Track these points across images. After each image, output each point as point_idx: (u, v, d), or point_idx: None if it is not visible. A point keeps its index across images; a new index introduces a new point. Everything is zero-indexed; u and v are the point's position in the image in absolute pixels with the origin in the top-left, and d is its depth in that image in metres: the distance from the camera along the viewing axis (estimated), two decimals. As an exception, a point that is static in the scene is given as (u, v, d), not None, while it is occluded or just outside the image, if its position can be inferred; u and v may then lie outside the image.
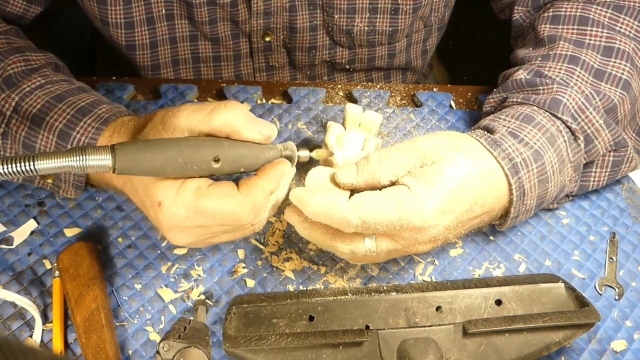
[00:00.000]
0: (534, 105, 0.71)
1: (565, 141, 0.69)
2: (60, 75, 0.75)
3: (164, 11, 0.89)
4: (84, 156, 0.54)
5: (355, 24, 0.92)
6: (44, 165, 0.53)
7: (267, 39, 0.94)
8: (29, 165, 0.52)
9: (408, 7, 0.91)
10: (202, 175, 0.60)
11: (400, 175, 0.63)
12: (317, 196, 0.61)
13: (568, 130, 0.70)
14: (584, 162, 0.73)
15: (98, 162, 0.55)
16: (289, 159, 0.64)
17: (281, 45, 0.96)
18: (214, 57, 0.97)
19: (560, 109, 0.70)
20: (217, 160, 0.59)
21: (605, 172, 0.76)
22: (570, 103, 0.70)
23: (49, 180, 0.72)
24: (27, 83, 0.71)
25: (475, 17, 1.23)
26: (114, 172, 0.56)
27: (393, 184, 0.64)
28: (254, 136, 0.61)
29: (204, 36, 0.94)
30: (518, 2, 0.87)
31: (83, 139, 0.68)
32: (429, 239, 0.62)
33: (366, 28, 0.93)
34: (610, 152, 0.74)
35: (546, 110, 0.70)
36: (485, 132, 0.69)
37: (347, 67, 1.01)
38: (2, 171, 0.52)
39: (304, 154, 0.66)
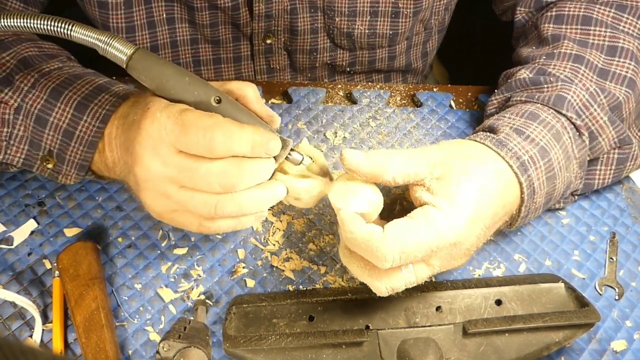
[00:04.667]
0: (538, 103, 0.72)
1: (570, 137, 0.69)
2: (74, 63, 0.76)
3: (164, 15, 0.89)
4: (111, 41, 0.58)
5: (356, 26, 0.92)
6: (78, 33, 0.57)
7: (268, 41, 0.94)
8: (66, 29, 0.56)
9: (408, 10, 0.91)
10: (198, 108, 0.60)
11: (406, 174, 0.61)
12: (361, 224, 0.58)
13: (573, 126, 0.70)
14: (589, 158, 0.73)
15: (118, 52, 0.59)
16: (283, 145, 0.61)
17: (282, 48, 0.96)
18: (215, 59, 0.97)
19: (565, 105, 0.70)
20: (218, 101, 0.60)
21: (610, 169, 0.76)
22: (575, 100, 0.71)
23: (49, 166, 0.70)
24: (46, 65, 0.71)
25: (475, 17, 1.24)
26: (125, 66, 0.59)
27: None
28: (260, 108, 0.65)
29: (204, 39, 0.94)
30: (520, 3, 0.87)
31: (100, 110, 0.68)
32: (463, 252, 0.62)
33: (367, 31, 0.93)
34: (614, 149, 0.74)
35: (550, 107, 0.71)
36: (489, 134, 0.68)
37: (348, 69, 1.01)
38: (39, 26, 0.56)
39: (297, 156, 0.61)
